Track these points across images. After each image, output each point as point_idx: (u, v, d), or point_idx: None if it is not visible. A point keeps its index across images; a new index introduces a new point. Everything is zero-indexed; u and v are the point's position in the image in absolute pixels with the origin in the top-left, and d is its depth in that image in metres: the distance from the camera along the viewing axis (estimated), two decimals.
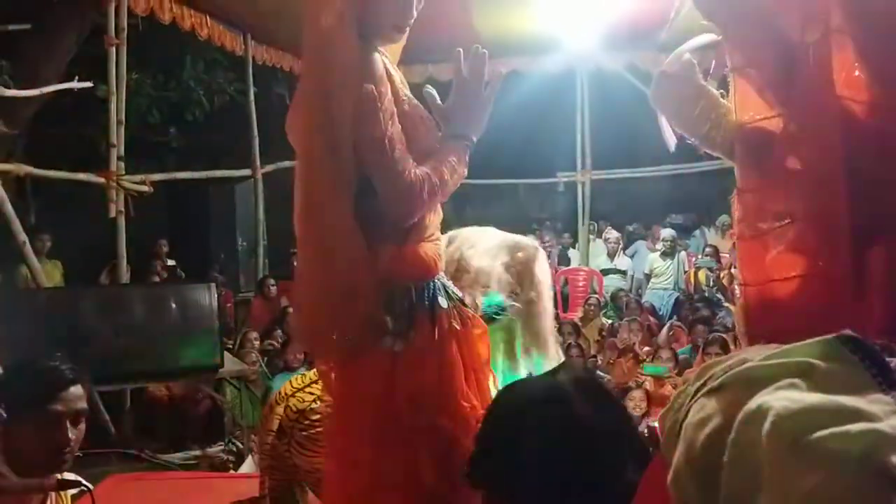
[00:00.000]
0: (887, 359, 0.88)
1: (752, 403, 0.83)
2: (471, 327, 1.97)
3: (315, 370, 2.38)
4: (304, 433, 2.48)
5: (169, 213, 10.42)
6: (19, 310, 4.88)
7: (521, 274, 2.82)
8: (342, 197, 1.76)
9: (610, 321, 7.63)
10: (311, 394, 2.49)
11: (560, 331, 4.80)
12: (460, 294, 2.03)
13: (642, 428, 5.11)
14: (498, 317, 2.64)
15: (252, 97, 8.62)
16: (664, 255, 9.02)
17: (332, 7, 1.75)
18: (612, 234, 10.10)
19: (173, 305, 5.04)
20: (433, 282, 1.90)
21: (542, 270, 2.98)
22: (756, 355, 0.93)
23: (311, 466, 2.47)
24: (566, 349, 5.31)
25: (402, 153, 1.77)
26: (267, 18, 7.41)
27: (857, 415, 0.77)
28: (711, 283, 8.64)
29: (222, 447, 5.26)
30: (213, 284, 5.36)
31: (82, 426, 2.03)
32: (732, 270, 7.37)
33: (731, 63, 1.96)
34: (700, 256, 9.39)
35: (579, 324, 7.35)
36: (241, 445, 5.22)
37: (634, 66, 9.04)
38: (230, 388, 5.66)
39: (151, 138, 10.15)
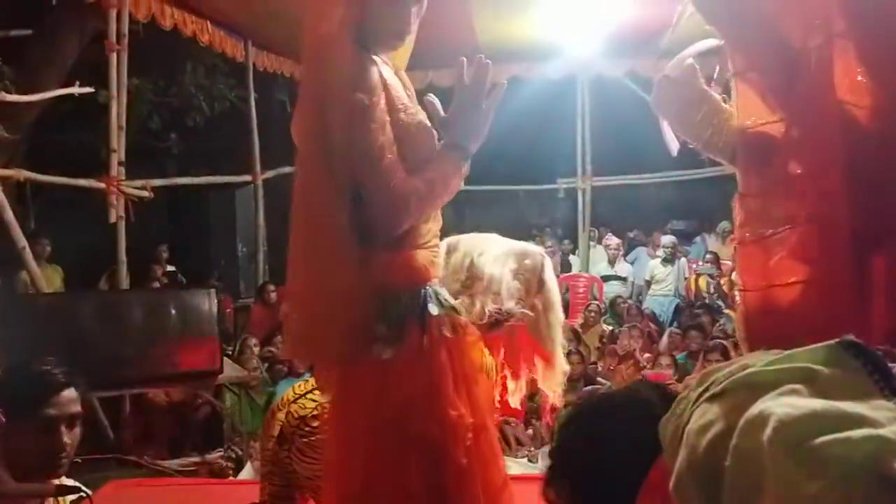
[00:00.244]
0: (889, 364, 0.87)
1: (754, 409, 0.83)
2: (463, 335, 1.95)
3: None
4: (304, 440, 2.47)
5: (169, 218, 10.41)
6: (19, 315, 4.87)
7: (529, 281, 2.85)
8: (336, 203, 1.76)
9: (610, 328, 7.62)
10: (313, 400, 2.48)
11: None
12: (453, 301, 2.02)
13: None
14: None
15: (252, 103, 8.62)
16: (665, 261, 9.02)
17: (332, 15, 1.75)
18: (613, 240, 10.09)
19: (173, 311, 5.04)
20: (425, 289, 1.89)
21: (550, 277, 3.00)
22: (758, 361, 0.93)
23: (311, 473, 2.46)
24: (566, 355, 5.30)
25: (391, 163, 1.76)
26: (268, 24, 7.42)
27: (859, 421, 0.77)
28: (712, 290, 8.63)
29: (221, 453, 5.25)
30: (212, 290, 5.37)
31: (77, 430, 2.02)
32: (733, 277, 7.36)
33: (732, 68, 1.96)
34: (701, 263, 9.38)
35: (580, 330, 7.34)
36: (240, 452, 5.21)
37: (635, 73, 9.04)
38: (230, 395, 5.65)
39: (152, 144, 10.15)
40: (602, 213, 11.10)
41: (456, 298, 2.16)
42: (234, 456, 5.19)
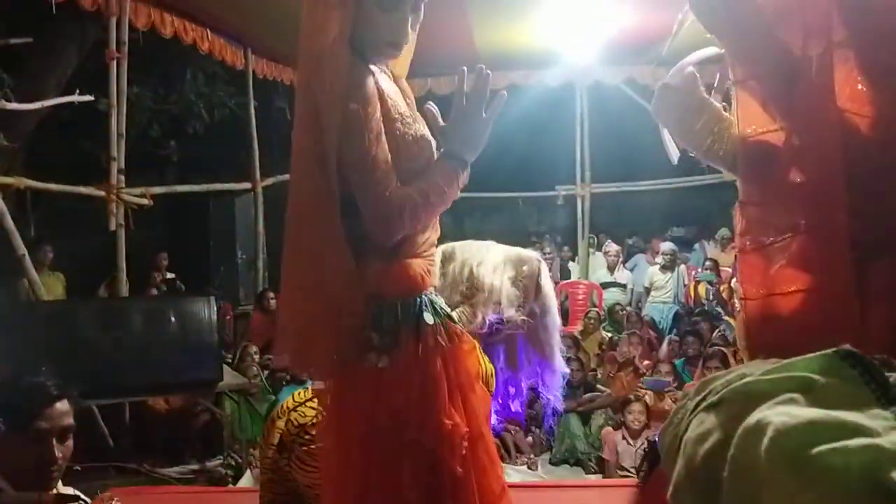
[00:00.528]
0: (887, 374, 0.87)
1: (752, 418, 0.83)
2: (458, 343, 1.95)
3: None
4: (304, 448, 2.47)
5: (169, 226, 10.40)
6: (18, 322, 4.87)
7: (527, 287, 2.87)
8: (330, 212, 1.76)
9: (610, 335, 7.61)
10: (313, 408, 2.48)
11: None
12: (448, 310, 2.02)
13: (641, 441, 5.11)
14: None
15: (252, 111, 8.63)
16: (664, 268, 9.01)
17: (328, 25, 1.75)
18: (612, 247, 10.09)
19: (172, 318, 5.02)
20: (420, 297, 1.89)
21: (546, 282, 3.02)
22: (755, 370, 0.93)
23: (310, 481, 2.46)
24: (566, 362, 5.31)
25: (384, 174, 1.76)
26: (267, 32, 7.44)
27: (856, 430, 0.77)
28: (711, 297, 8.62)
29: (221, 461, 5.24)
30: (212, 297, 5.34)
31: (70, 442, 2.01)
32: (732, 284, 7.37)
33: (733, 76, 1.96)
34: (700, 270, 9.37)
35: (579, 337, 7.34)
36: (239, 459, 5.20)
37: (633, 81, 9.07)
38: (229, 402, 5.63)
39: (152, 151, 10.17)
40: (601, 220, 11.12)
41: (457, 308, 2.17)
42: (233, 464, 5.18)
